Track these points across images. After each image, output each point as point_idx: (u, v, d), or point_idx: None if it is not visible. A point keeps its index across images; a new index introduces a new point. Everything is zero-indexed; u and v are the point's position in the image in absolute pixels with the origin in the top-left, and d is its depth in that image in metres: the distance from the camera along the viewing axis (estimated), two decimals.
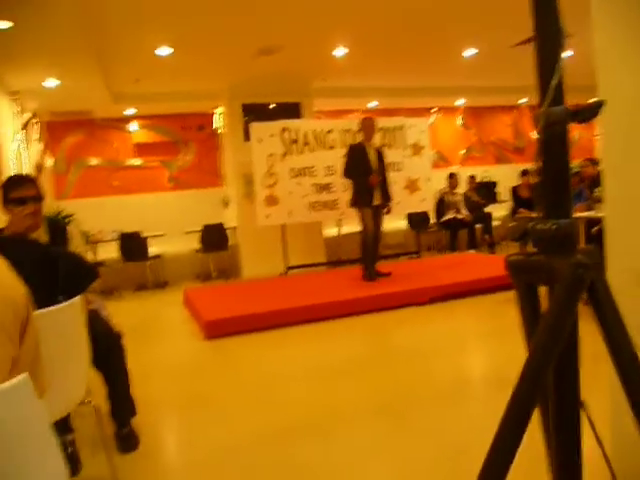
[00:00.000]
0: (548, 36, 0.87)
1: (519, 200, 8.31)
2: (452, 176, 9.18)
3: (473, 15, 5.70)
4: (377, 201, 6.14)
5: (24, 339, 1.07)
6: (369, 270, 6.23)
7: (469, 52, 7.18)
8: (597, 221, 4.84)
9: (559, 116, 0.85)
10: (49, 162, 8.45)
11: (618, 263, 1.69)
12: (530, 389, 0.81)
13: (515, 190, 8.42)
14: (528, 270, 0.91)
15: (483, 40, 6.71)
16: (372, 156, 6.18)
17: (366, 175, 6.04)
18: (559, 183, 0.87)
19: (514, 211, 8.32)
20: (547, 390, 0.91)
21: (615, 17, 1.68)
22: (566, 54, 0.87)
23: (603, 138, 1.78)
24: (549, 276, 0.85)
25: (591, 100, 0.94)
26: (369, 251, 6.23)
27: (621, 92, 1.64)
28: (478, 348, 4.22)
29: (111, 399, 2.70)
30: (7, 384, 0.92)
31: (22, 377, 0.96)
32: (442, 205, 9.00)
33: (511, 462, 0.83)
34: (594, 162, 6.27)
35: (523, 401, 0.83)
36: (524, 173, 8.40)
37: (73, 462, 2.42)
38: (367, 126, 6.24)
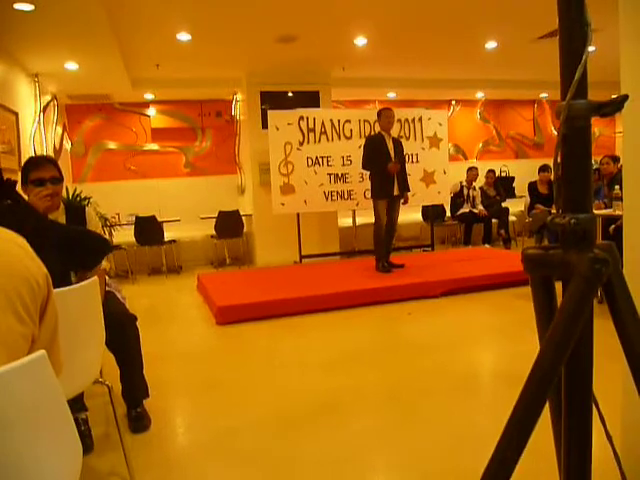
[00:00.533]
0: (573, 28, 0.86)
1: (537, 196, 8.22)
2: (471, 169, 9.11)
3: (495, 7, 5.63)
4: (396, 191, 6.14)
5: (44, 319, 1.09)
6: (382, 261, 6.23)
7: (490, 45, 7.10)
8: (614, 219, 4.79)
9: (582, 109, 0.84)
10: (67, 145, 8.52)
11: (635, 261, 1.67)
12: (542, 383, 0.81)
13: (533, 186, 8.33)
14: (544, 264, 0.90)
15: (504, 33, 6.63)
16: (390, 147, 6.16)
17: (385, 166, 6.02)
18: (579, 177, 0.86)
19: (530, 207, 8.25)
20: (559, 385, 0.91)
21: None
22: (590, 49, 0.86)
23: (624, 135, 1.76)
24: (566, 270, 0.84)
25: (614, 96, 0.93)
26: (381, 243, 6.22)
27: None
28: (489, 342, 4.21)
29: (124, 380, 2.74)
30: (25, 359, 0.94)
31: (40, 353, 0.97)
32: (459, 198, 8.95)
33: (519, 455, 0.83)
34: (615, 159, 6.19)
35: (534, 394, 0.83)
36: (543, 169, 8.29)
37: (85, 440, 2.46)
38: (386, 116, 6.21)
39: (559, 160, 0.87)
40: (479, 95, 10.43)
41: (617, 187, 4.92)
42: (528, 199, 8.35)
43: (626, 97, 0.83)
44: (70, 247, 2.11)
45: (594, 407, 0.91)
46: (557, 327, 0.81)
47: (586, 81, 0.86)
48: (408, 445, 2.46)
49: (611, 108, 0.85)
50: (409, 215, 8.79)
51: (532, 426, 0.82)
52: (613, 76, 2.04)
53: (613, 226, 4.84)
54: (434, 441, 2.48)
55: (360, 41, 6.61)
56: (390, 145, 6.17)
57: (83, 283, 1.96)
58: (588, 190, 0.86)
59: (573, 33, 0.86)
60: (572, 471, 0.92)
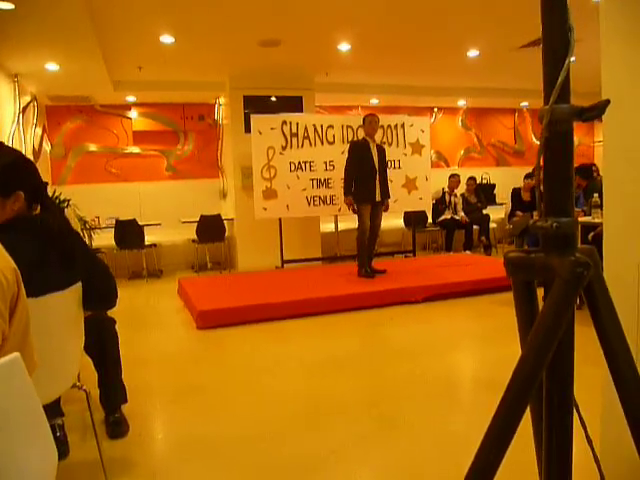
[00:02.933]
0: (556, 32, 0.86)
1: (519, 202, 8.29)
2: (453, 176, 9.18)
3: (477, 16, 5.69)
4: (378, 197, 6.16)
5: (14, 315, 1.06)
6: (364, 267, 6.24)
7: (472, 53, 7.17)
8: (594, 227, 4.85)
9: (565, 114, 0.84)
10: (47, 147, 8.41)
11: (614, 267, 1.69)
12: (524, 385, 0.81)
13: (516, 192, 8.37)
14: (526, 267, 0.90)
15: (486, 41, 6.70)
16: (374, 153, 6.19)
17: (368, 172, 6.05)
18: (561, 181, 0.86)
19: (511, 214, 8.32)
20: (540, 389, 0.91)
21: (622, 21, 1.68)
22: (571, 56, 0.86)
23: (604, 141, 1.78)
24: (547, 274, 0.85)
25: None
26: (365, 248, 6.24)
27: (624, 96, 1.64)
28: (470, 348, 4.23)
29: (102, 385, 2.70)
30: None
31: (13, 355, 0.95)
32: (440, 205, 9.01)
33: (500, 461, 0.83)
34: (579, 171, 6.14)
35: (517, 397, 0.83)
36: (528, 176, 8.33)
37: (61, 446, 2.41)
38: (369, 122, 6.24)
39: (541, 164, 0.87)
40: (461, 103, 10.53)
41: (596, 195, 4.99)
42: (509, 205, 8.40)
43: (608, 102, 0.84)
44: (84, 280, 2.07)
45: (575, 411, 0.91)
46: (539, 330, 0.81)
47: (569, 85, 0.86)
48: (390, 450, 2.46)
49: (593, 113, 0.85)
50: (391, 221, 8.81)
51: (514, 429, 0.82)
52: (591, 87, 2.05)
53: (592, 233, 4.89)
54: (416, 446, 2.48)
55: (343, 47, 6.64)
56: (374, 151, 6.19)
57: (66, 290, 1.93)
58: (570, 194, 0.87)
59: (556, 37, 0.86)
60: (553, 475, 0.92)
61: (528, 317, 0.93)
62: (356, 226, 6.32)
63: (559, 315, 0.80)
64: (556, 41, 0.86)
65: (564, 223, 0.84)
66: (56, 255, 1.93)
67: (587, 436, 0.93)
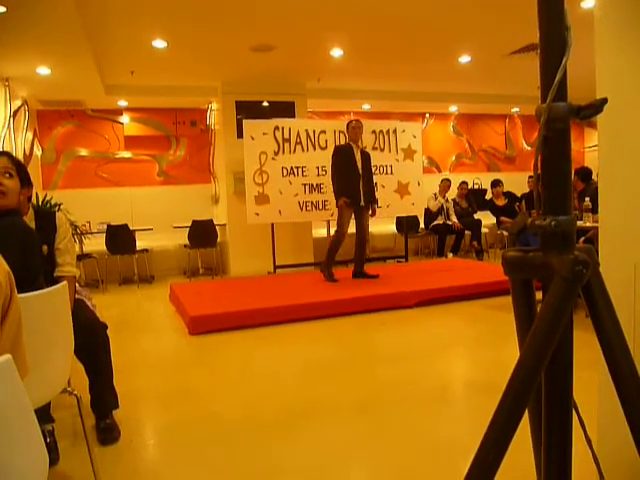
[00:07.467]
0: (553, 31, 0.86)
1: (497, 209, 8.55)
2: (443, 181, 9.24)
3: (469, 22, 5.72)
4: (362, 202, 6.16)
5: (6, 318, 1.04)
6: (328, 270, 6.25)
7: (464, 59, 7.20)
8: (586, 231, 4.87)
9: (562, 112, 0.84)
10: (38, 151, 8.36)
11: (609, 269, 1.69)
12: (524, 384, 0.80)
13: (490, 202, 8.75)
14: (525, 266, 0.90)
15: (477, 47, 6.74)
16: (358, 158, 6.21)
17: (352, 176, 6.06)
18: (559, 179, 0.86)
19: (498, 221, 8.50)
20: (538, 390, 0.90)
21: (616, 27, 1.69)
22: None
23: (599, 140, 1.79)
24: (546, 273, 0.84)
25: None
26: (335, 252, 6.26)
27: (619, 98, 1.64)
28: (463, 352, 4.22)
29: (93, 391, 2.67)
30: None
31: (4, 358, 0.93)
32: (432, 210, 9.06)
33: (499, 463, 0.82)
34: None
35: (516, 399, 0.82)
36: (495, 184, 8.93)
37: (51, 453, 2.38)
38: (352, 127, 6.28)
39: (539, 162, 0.87)
40: (452, 109, 10.58)
41: (587, 199, 5.01)
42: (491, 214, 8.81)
43: (605, 100, 0.84)
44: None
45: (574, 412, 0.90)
46: (538, 329, 0.81)
47: (566, 84, 0.86)
48: (382, 455, 2.44)
49: (591, 111, 0.85)
50: (383, 226, 8.83)
51: (513, 430, 0.81)
52: (576, 92, 2.06)
53: (583, 238, 4.92)
54: (407, 451, 2.47)
55: (336, 52, 6.65)
56: (358, 156, 6.22)
57: (51, 288, 1.91)
58: (568, 192, 0.86)
59: (553, 36, 0.86)
60: (552, 476, 0.91)
61: (526, 316, 0.92)
62: (350, 232, 6.31)
63: (559, 313, 0.80)
64: (553, 40, 0.86)
65: (562, 221, 0.84)
66: (40, 253, 1.92)
67: (587, 437, 0.92)
